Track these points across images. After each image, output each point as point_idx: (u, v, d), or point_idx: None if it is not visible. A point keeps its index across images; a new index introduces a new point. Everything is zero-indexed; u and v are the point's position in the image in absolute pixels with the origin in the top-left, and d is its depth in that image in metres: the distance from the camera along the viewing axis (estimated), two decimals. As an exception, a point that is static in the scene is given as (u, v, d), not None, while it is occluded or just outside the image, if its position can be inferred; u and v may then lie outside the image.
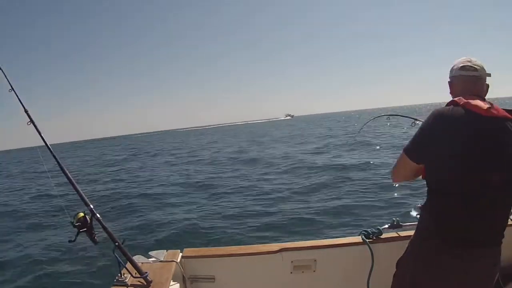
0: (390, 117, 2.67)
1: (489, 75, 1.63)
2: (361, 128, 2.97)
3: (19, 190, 9.73)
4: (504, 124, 1.49)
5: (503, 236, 1.55)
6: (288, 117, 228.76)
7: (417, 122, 2.22)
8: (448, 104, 1.58)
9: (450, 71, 1.70)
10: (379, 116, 2.76)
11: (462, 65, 1.63)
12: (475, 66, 1.61)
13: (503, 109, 1.54)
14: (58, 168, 1.82)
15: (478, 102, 1.49)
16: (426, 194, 1.64)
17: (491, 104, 1.52)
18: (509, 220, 2.48)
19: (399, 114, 2.60)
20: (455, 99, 1.57)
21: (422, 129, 1.57)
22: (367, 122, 2.90)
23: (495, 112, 1.48)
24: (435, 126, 1.53)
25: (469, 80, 1.61)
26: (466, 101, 1.52)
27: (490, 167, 1.45)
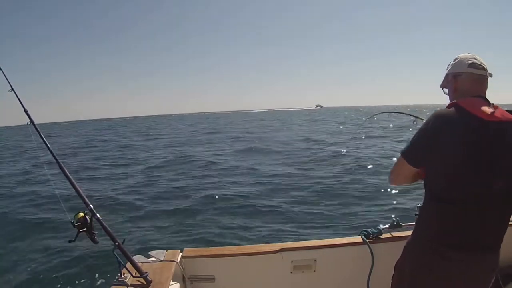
0: (391, 114, 2.66)
1: (491, 75, 1.58)
2: (363, 122, 3.05)
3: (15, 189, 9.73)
4: (507, 128, 1.44)
5: (501, 242, 1.53)
6: (318, 107, 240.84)
7: (418, 121, 2.20)
8: (449, 106, 1.53)
9: (454, 66, 1.63)
10: (380, 113, 2.76)
11: (471, 62, 1.56)
12: (483, 65, 1.57)
13: (508, 111, 1.51)
14: (57, 166, 1.82)
15: (482, 106, 1.45)
16: (424, 196, 1.61)
17: (495, 107, 1.48)
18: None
19: (400, 111, 2.58)
20: (457, 101, 1.52)
21: (421, 132, 1.52)
22: (369, 117, 2.92)
23: (498, 116, 1.43)
24: (436, 129, 1.47)
25: (477, 79, 1.56)
26: (469, 103, 1.48)
27: (492, 173, 1.42)
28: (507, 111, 1.52)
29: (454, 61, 1.64)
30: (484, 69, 1.56)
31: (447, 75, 1.67)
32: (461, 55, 1.62)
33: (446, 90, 1.68)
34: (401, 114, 2.56)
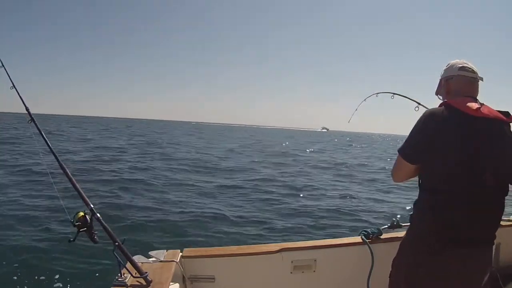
0: (394, 95, 2.52)
1: (482, 79, 1.66)
2: (359, 104, 2.82)
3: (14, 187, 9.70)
4: (495, 124, 1.51)
5: (495, 237, 1.56)
6: (324, 130, 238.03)
7: (421, 107, 2.23)
8: (440, 105, 1.61)
9: (446, 70, 1.72)
10: (382, 93, 2.62)
11: (461, 65, 1.66)
12: (473, 68, 1.66)
13: (496, 110, 1.56)
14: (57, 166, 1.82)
15: (468, 103, 1.52)
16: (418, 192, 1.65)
17: (482, 104, 1.54)
18: (507, 221, 2.49)
19: (404, 95, 2.49)
20: (447, 100, 1.60)
21: (414, 130, 1.60)
22: (368, 97, 2.76)
23: (485, 112, 1.50)
24: (427, 126, 1.55)
25: (468, 81, 1.65)
26: (457, 101, 1.55)
27: (481, 167, 1.47)
28: (499, 111, 1.57)
29: (446, 66, 1.74)
30: (474, 72, 1.66)
31: (440, 80, 1.76)
32: (453, 61, 1.72)
33: (441, 97, 1.76)
34: (404, 98, 2.49)
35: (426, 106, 2.17)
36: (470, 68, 1.66)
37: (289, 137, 65.03)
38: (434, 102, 1.77)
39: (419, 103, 2.25)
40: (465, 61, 1.68)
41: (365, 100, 2.79)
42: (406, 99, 2.41)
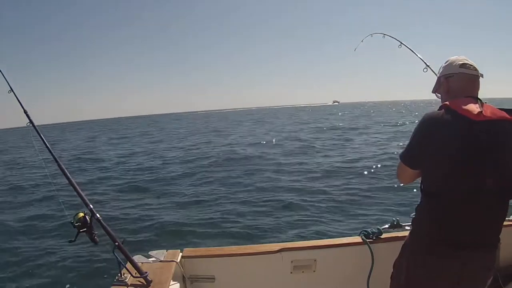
0: (402, 45, 2.46)
1: (482, 75, 1.62)
2: (366, 37, 2.76)
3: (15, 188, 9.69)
4: (499, 125, 1.47)
5: (498, 240, 1.54)
6: (336, 103, 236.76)
7: (429, 70, 2.16)
8: (440, 107, 1.57)
9: (445, 68, 1.67)
10: (390, 36, 2.58)
11: (462, 62, 1.60)
12: (474, 65, 1.61)
13: (500, 109, 1.52)
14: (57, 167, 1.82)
15: (470, 106, 1.47)
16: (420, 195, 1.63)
17: (484, 105, 1.50)
18: (507, 221, 2.49)
19: (412, 50, 2.39)
20: (448, 102, 1.55)
21: (413, 135, 1.57)
22: (374, 33, 2.71)
23: (487, 115, 1.46)
24: (426, 131, 1.53)
25: (470, 79, 1.60)
26: (457, 104, 1.50)
27: (482, 171, 1.44)
28: (501, 109, 1.53)
29: (445, 63, 1.68)
30: (475, 69, 1.60)
31: (438, 78, 1.71)
32: (452, 58, 1.66)
33: (439, 95, 1.72)
34: (411, 52, 2.39)
35: (435, 71, 2.05)
36: (471, 65, 1.60)
37: (306, 115, 63.01)
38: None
39: (428, 65, 2.15)
40: (464, 57, 1.63)
41: (371, 35, 2.74)
42: (413, 54, 2.29)
